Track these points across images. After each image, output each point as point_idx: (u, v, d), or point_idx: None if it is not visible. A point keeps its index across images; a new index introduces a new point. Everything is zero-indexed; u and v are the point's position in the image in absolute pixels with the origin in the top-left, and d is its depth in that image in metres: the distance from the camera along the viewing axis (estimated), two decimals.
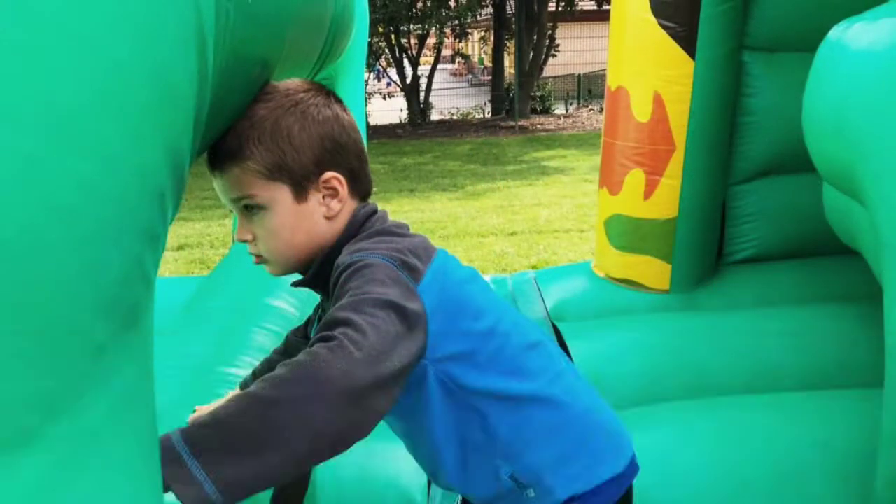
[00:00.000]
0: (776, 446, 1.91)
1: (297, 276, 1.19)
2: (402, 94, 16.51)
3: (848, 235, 1.87)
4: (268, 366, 1.39)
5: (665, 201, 2.85)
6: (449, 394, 1.11)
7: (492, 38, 18.43)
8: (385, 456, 1.96)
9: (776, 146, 2.83)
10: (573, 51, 19.95)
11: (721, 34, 2.64)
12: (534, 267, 5.23)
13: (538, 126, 15.17)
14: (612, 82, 2.97)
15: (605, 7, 15.38)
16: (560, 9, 17.27)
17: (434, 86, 17.04)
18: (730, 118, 2.81)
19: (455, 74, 30.75)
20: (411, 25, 15.87)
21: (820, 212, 2.07)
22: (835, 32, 1.67)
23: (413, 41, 16.38)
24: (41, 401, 0.49)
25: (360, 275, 0.99)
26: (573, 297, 3.08)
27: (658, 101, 2.75)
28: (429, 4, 15.27)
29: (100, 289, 0.53)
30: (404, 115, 16.54)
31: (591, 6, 17.64)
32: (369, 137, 10.59)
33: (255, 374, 1.40)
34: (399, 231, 1.15)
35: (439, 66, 18.70)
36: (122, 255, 0.55)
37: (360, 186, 1.17)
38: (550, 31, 16.88)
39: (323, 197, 1.11)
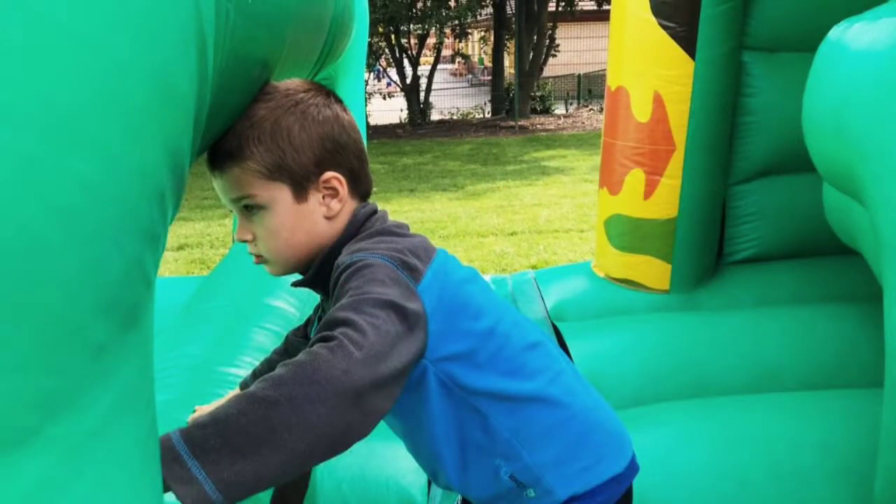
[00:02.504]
0: (776, 446, 1.91)
1: (297, 276, 1.19)
2: (402, 94, 16.50)
3: (848, 235, 1.86)
4: (268, 366, 1.39)
5: (665, 201, 2.85)
6: (449, 394, 1.11)
7: (492, 38, 18.42)
8: (385, 456, 1.97)
9: (776, 146, 2.83)
10: (573, 51, 19.94)
11: (721, 34, 2.64)
12: (534, 267, 5.23)
13: (538, 126, 15.17)
14: (612, 82, 2.97)
15: (605, 7, 15.38)
16: (560, 9, 17.27)
17: (434, 86, 17.04)
18: (730, 118, 2.81)
19: (455, 74, 30.74)
20: (411, 25, 15.86)
21: (820, 212, 2.07)
22: (835, 32, 1.67)
23: (413, 41, 16.38)
24: (41, 401, 0.49)
25: (360, 275, 0.99)
26: (573, 297, 3.09)
27: (658, 101, 2.75)
28: (429, 4, 15.26)
29: (100, 289, 0.53)
30: (404, 115, 16.54)
31: (591, 6, 17.64)
32: (369, 137, 10.61)
33: (256, 375, 1.40)
34: (399, 231, 1.15)
35: (439, 66, 18.69)
36: (122, 255, 0.55)
37: (360, 186, 1.17)
38: (550, 31, 16.87)
39: (323, 197, 1.11)
